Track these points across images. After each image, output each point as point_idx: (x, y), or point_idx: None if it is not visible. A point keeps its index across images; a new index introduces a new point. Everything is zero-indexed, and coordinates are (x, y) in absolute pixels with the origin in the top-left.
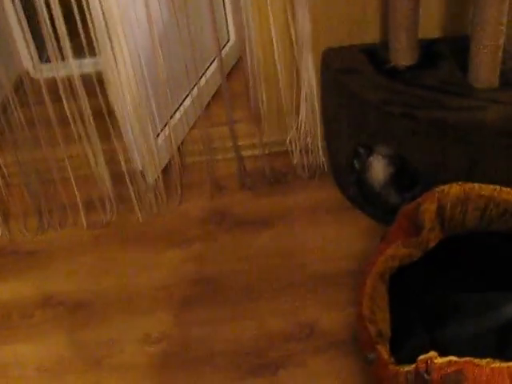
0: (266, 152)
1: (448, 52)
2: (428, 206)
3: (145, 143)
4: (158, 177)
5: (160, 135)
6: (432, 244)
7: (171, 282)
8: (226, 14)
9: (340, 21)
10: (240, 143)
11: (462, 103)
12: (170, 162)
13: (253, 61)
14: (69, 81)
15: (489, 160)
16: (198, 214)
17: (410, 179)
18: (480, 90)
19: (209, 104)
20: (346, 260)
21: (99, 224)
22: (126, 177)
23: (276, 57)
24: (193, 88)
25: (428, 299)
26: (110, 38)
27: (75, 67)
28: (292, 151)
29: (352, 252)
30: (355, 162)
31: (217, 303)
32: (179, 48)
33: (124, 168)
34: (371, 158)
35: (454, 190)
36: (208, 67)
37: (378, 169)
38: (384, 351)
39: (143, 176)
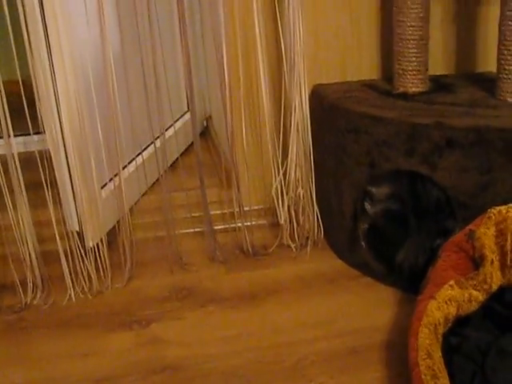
0: (243, 222)
1: (461, 82)
2: (485, 230)
3: (85, 191)
4: (102, 241)
5: (107, 186)
6: (495, 286)
7: (119, 373)
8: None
9: (329, 56)
10: (210, 212)
11: (503, 113)
12: (118, 225)
13: (232, 105)
14: None
15: None
16: (155, 292)
17: (445, 214)
18: None
19: (171, 168)
20: (363, 333)
21: (15, 308)
22: (58, 243)
23: (263, 90)
24: (156, 139)
25: (492, 362)
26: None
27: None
28: (278, 211)
29: (371, 324)
30: (367, 204)
31: None
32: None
33: (55, 231)
34: (389, 197)
35: None
36: (175, 122)
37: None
38: None
39: (81, 240)
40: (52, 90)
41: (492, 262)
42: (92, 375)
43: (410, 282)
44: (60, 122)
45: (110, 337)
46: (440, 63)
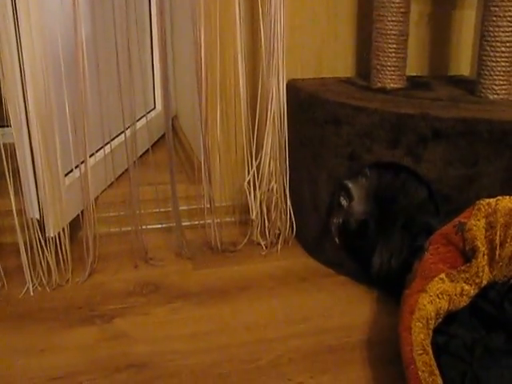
0: (213, 218)
1: (437, 82)
2: (475, 222)
3: (48, 176)
4: (64, 231)
5: (71, 173)
6: (485, 281)
7: (79, 370)
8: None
9: (305, 52)
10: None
11: (487, 107)
12: (81, 216)
13: (207, 94)
14: None
15: None
16: (118, 287)
17: (428, 210)
18: (499, 101)
19: (139, 162)
20: (340, 331)
21: None
22: (17, 233)
23: (240, 79)
24: (127, 128)
25: (481, 360)
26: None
27: None
28: (250, 206)
29: (348, 322)
30: (342, 198)
31: None
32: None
33: (15, 221)
34: (367, 192)
35: (504, 204)
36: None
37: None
38: None
39: (42, 229)
40: (18, 69)
41: (483, 255)
42: (49, 372)
43: (387, 288)
44: (25, 103)
45: (69, 332)
46: (413, 64)
